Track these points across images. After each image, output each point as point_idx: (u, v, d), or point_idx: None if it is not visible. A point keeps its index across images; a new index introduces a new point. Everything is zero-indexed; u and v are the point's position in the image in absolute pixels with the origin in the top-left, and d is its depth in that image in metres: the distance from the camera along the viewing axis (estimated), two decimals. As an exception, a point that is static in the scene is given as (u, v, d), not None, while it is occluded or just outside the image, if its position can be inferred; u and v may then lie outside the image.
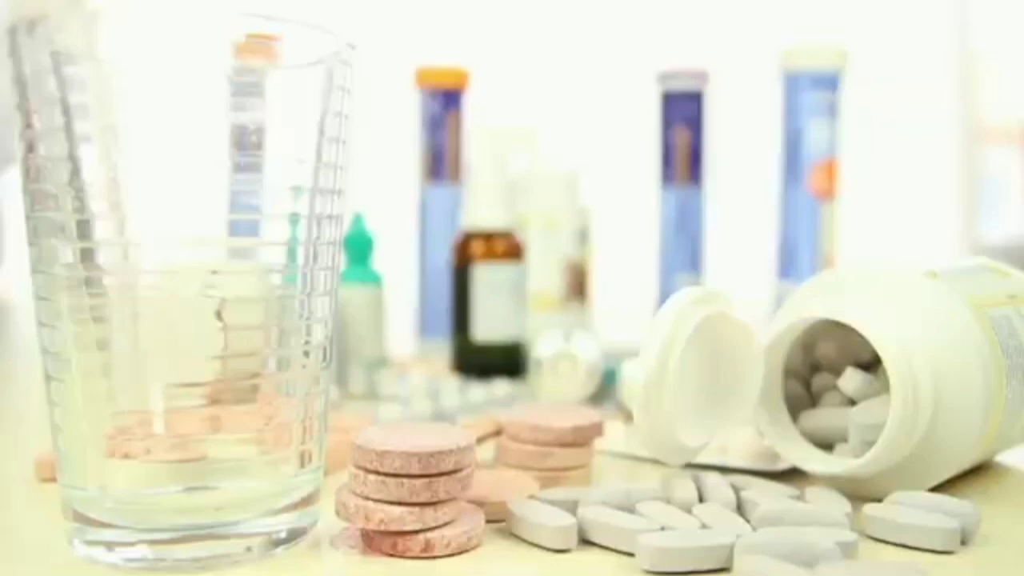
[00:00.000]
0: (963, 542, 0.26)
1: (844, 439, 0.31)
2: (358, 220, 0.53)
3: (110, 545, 0.24)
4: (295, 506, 0.26)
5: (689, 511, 0.27)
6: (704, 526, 0.26)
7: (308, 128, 0.25)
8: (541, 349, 0.44)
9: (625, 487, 0.28)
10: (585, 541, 0.26)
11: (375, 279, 0.52)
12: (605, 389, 0.46)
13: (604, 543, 0.26)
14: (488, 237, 0.55)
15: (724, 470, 0.33)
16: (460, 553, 0.26)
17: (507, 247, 0.55)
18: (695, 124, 0.69)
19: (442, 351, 0.62)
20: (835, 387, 0.32)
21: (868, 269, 0.32)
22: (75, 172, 0.24)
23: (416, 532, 0.25)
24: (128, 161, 0.24)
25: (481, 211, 0.55)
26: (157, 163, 0.24)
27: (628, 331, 0.63)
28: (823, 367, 0.33)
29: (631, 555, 0.25)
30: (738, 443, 0.35)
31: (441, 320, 0.63)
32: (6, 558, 0.26)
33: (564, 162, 0.68)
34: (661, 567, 0.24)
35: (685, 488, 0.28)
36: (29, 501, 0.31)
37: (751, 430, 0.36)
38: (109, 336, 0.24)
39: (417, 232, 0.67)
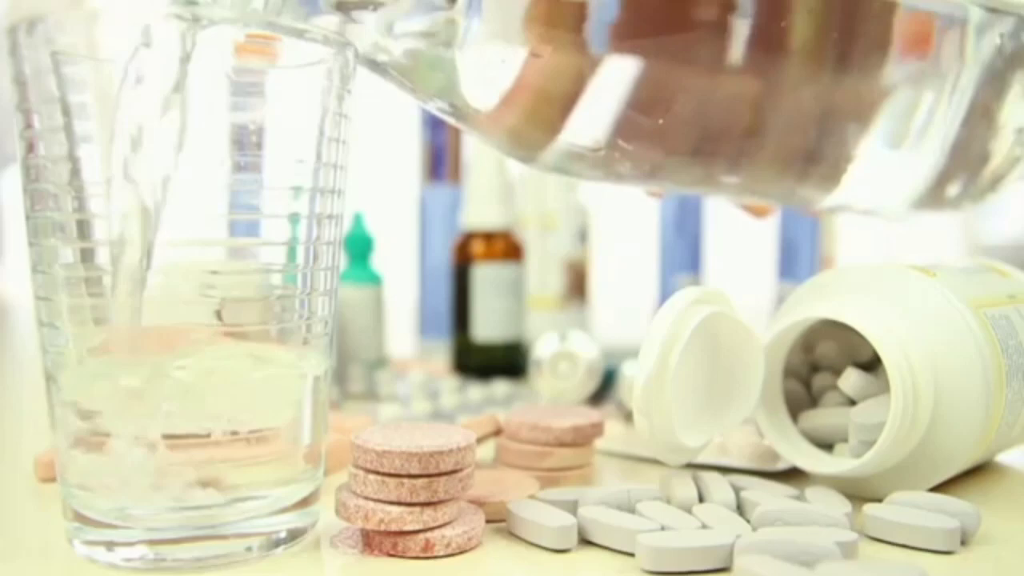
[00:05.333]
0: (963, 542, 0.26)
1: (844, 439, 0.31)
2: (358, 220, 0.53)
3: (110, 545, 0.24)
4: (295, 506, 0.26)
5: (689, 511, 0.27)
6: (704, 526, 0.26)
7: (308, 128, 0.25)
8: (541, 349, 0.44)
9: (625, 487, 0.28)
10: (585, 541, 0.26)
11: (375, 279, 0.52)
12: (605, 389, 0.46)
13: (604, 543, 0.26)
14: (488, 237, 0.55)
15: (724, 470, 0.33)
16: (460, 553, 0.26)
17: (506, 247, 0.55)
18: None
19: (442, 351, 0.62)
20: (835, 387, 0.32)
21: (868, 269, 0.32)
22: (75, 172, 0.24)
23: (416, 532, 0.25)
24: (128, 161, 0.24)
25: (481, 211, 0.55)
26: (157, 163, 0.24)
27: (628, 331, 0.63)
28: (823, 367, 0.33)
29: (631, 555, 0.25)
30: (738, 443, 0.35)
31: (441, 320, 0.63)
32: (6, 558, 0.26)
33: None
34: (661, 567, 0.24)
35: (685, 488, 0.28)
36: (29, 501, 0.31)
37: (751, 430, 0.36)
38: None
39: (417, 232, 0.67)
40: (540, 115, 0.32)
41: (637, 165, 0.35)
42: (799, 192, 0.37)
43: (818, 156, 0.35)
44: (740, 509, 0.28)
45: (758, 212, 0.44)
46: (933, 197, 0.37)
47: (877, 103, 0.33)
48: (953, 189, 0.37)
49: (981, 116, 0.34)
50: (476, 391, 0.46)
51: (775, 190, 0.38)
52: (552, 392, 0.44)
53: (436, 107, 0.33)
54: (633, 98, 0.31)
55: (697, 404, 0.30)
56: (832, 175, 0.36)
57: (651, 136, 0.33)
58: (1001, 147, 0.36)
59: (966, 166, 0.36)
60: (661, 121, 0.32)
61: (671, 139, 0.33)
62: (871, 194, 0.38)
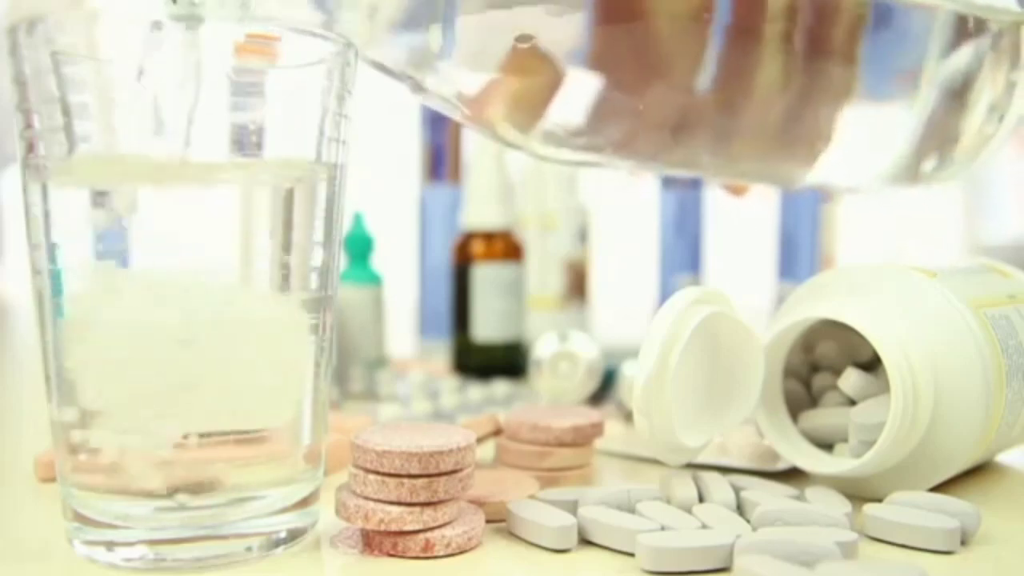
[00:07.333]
0: (963, 542, 0.26)
1: (844, 439, 0.31)
2: (358, 220, 0.53)
3: (110, 545, 0.24)
4: (295, 506, 0.26)
5: (689, 511, 0.27)
6: (704, 526, 0.26)
7: (308, 128, 0.25)
8: (541, 349, 0.44)
9: (625, 487, 0.28)
10: (585, 541, 0.26)
11: (375, 279, 0.52)
12: (605, 389, 0.46)
13: (604, 543, 0.26)
14: (488, 237, 0.55)
15: (724, 470, 0.33)
16: (460, 553, 0.26)
17: (506, 247, 0.55)
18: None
19: (442, 351, 0.62)
20: (835, 387, 0.32)
21: (868, 269, 0.32)
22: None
23: (416, 532, 0.25)
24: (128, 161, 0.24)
25: (481, 211, 0.55)
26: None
27: (628, 331, 0.63)
28: (823, 367, 0.33)
29: (631, 555, 0.25)
30: (738, 443, 0.35)
31: (441, 320, 0.63)
32: (6, 558, 0.26)
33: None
34: (661, 567, 0.24)
35: (685, 488, 0.28)
36: (29, 501, 0.31)
37: (751, 430, 0.36)
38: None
39: (417, 232, 0.67)
40: (522, 103, 0.33)
41: (619, 147, 0.36)
42: (780, 170, 0.39)
43: (796, 134, 0.35)
44: (740, 509, 0.28)
45: (736, 191, 0.46)
46: (908, 173, 0.38)
47: (852, 86, 0.34)
48: (927, 165, 0.38)
49: (954, 95, 0.35)
50: (476, 391, 0.46)
51: (756, 169, 0.39)
52: (552, 392, 0.44)
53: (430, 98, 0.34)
54: (611, 92, 0.32)
55: (697, 404, 0.30)
56: (810, 152, 0.36)
57: (632, 120, 0.34)
58: (973, 125, 0.37)
59: (939, 143, 0.37)
60: (641, 107, 0.33)
61: (651, 123, 0.34)
62: (849, 170, 0.39)
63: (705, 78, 0.32)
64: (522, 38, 0.30)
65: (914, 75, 0.34)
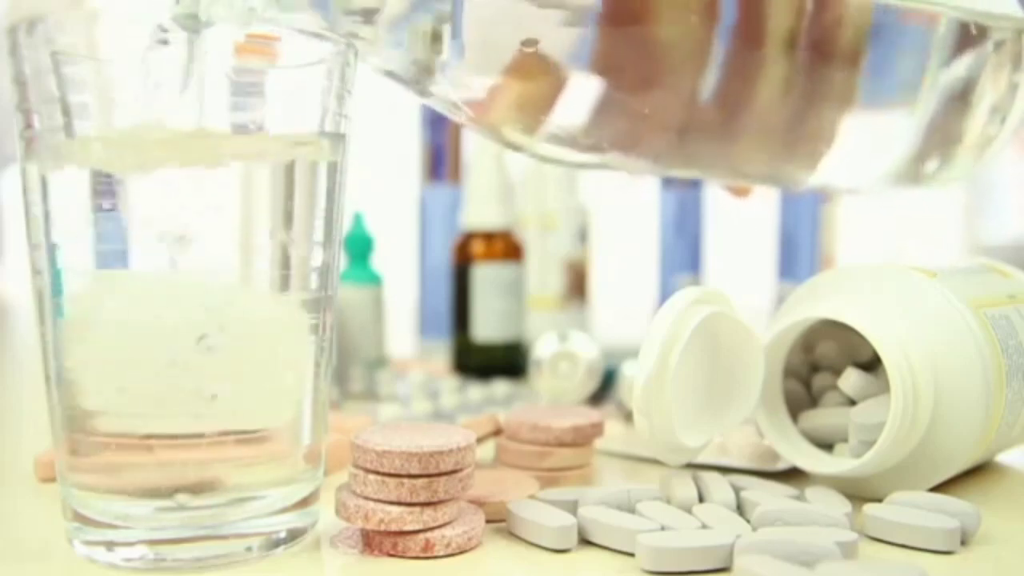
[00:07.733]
0: (963, 542, 0.26)
1: (844, 439, 0.31)
2: (358, 220, 0.53)
3: (110, 545, 0.24)
4: (295, 506, 0.26)
5: (689, 511, 0.27)
6: (704, 526, 0.26)
7: (308, 128, 0.25)
8: (541, 349, 0.44)
9: (625, 487, 0.28)
10: (585, 541, 0.26)
11: (375, 279, 0.51)
12: (605, 389, 0.46)
13: (604, 543, 0.26)
14: (488, 237, 0.55)
15: (724, 470, 0.33)
16: (460, 553, 0.26)
17: (506, 247, 0.55)
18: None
19: (442, 351, 0.62)
20: (835, 387, 0.32)
21: (868, 269, 0.32)
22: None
23: (416, 532, 0.25)
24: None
25: (481, 211, 0.55)
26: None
27: (628, 331, 0.63)
28: (823, 367, 0.33)
29: (631, 555, 0.25)
30: (738, 443, 0.35)
31: (441, 320, 0.63)
32: (6, 558, 0.26)
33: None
34: (661, 567, 0.24)
35: (685, 488, 0.28)
36: (29, 501, 0.31)
37: (751, 430, 0.36)
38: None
39: (417, 232, 0.66)
40: (527, 106, 0.33)
41: (624, 149, 0.36)
42: (783, 172, 0.39)
43: (799, 137, 0.36)
44: (740, 509, 0.28)
45: (739, 192, 0.46)
46: (911, 174, 0.39)
47: (855, 88, 0.34)
48: (930, 166, 0.38)
49: (956, 98, 0.35)
50: (476, 391, 0.46)
51: (759, 171, 0.39)
52: (552, 392, 0.44)
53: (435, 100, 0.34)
54: (616, 95, 0.32)
55: (697, 404, 0.30)
56: (813, 154, 0.37)
57: (637, 122, 0.34)
58: (975, 126, 0.37)
59: (941, 145, 0.37)
60: (647, 110, 0.33)
61: (656, 125, 0.34)
62: (851, 172, 0.39)
63: (709, 82, 0.32)
64: (528, 42, 0.30)
65: (916, 80, 0.34)
